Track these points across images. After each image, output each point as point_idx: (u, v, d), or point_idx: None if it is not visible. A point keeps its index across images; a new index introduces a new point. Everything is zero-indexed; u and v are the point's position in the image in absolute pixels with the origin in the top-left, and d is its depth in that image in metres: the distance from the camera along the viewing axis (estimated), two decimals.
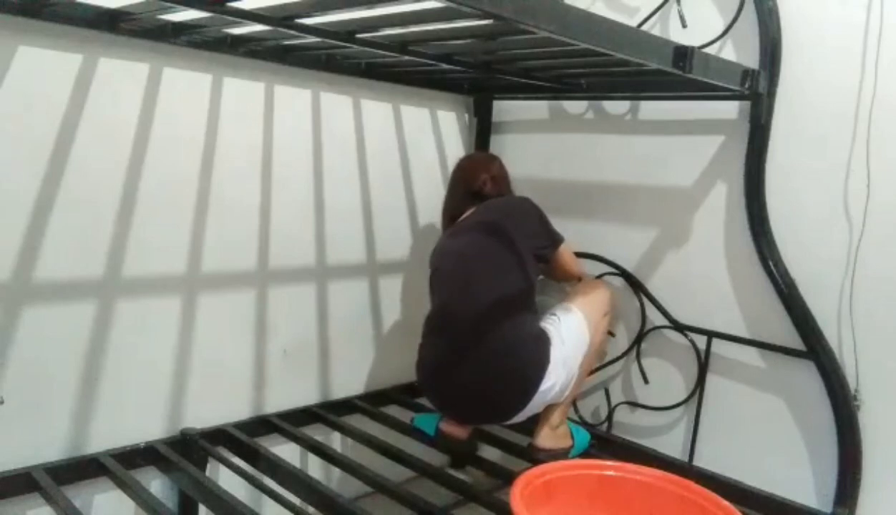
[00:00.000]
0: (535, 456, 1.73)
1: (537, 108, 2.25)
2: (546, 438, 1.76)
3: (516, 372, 1.66)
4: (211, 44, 1.62)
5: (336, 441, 2.01)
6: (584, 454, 1.83)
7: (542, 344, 1.69)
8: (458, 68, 1.72)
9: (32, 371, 1.48)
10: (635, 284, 2.00)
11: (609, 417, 2.07)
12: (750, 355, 1.79)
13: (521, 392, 1.67)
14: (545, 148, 2.23)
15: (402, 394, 2.17)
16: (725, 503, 1.31)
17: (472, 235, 1.80)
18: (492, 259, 1.75)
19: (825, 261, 1.66)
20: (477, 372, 1.68)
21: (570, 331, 1.74)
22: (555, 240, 1.86)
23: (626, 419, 2.05)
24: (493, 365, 1.66)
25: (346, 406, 2.05)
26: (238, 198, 1.78)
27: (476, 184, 1.91)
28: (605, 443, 1.95)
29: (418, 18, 1.25)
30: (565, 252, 1.88)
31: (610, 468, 1.41)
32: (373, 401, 2.09)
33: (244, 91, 1.76)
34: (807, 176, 1.69)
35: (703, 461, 1.86)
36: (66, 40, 1.44)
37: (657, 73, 1.48)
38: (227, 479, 1.65)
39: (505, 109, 2.31)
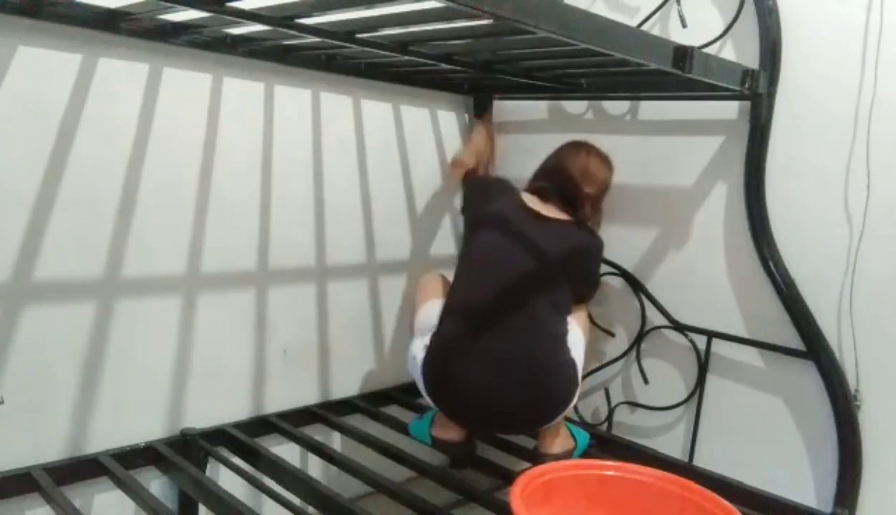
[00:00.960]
0: (543, 461, 1.70)
1: (537, 108, 2.25)
2: (553, 444, 1.75)
3: (558, 396, 1.64)
4: (211, 44, 1.62)
5: (336, 441, 2.01)
6: (584, 454, 1.83)
7: (574, 369, 1.68)
8: (458, 68, 1.72)
9: (32, 370, 1.48)
10: (635, 284, 2.00)
11: (609, 417, 2.07)
12: (750, 355, 1.79)
13: (552, 414, 1.66)
14: (545, 148, 2.22)
15: (402, 394, 2.17)
16: (725, 503, 1.31)
17: (532, 250, 1.71)
18: (543, 281, 1.69)
19: (825, 261, 1.66)
20: (512, 385, 1.60)
21: (578, 350, 1.72)
22: (596, 283, 1.87)
23: (626, 419, 2.06)
24: (534, 383, 1.61)
25: (346, 406, 2.05)
26: (238, 198, 1.78)
27: (574, 191, 1.80)
28: (605, 443, 1.95)
29: (418, 18, 1.25)
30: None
31: (610, 468, 1.41)
32: (373, 401, 2.09)
33: (244, 91, 1.76)
34: (807, 176, 1.69)
35: (703, 461, 1.86)
36: (66, 40, 1.44)
37: (657, 73, 1.47)
38: (227, 479, 1.65)
39: (505, 109, 2.31)
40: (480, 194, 1.89)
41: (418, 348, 1.71)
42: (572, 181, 1.80)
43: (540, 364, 1.63)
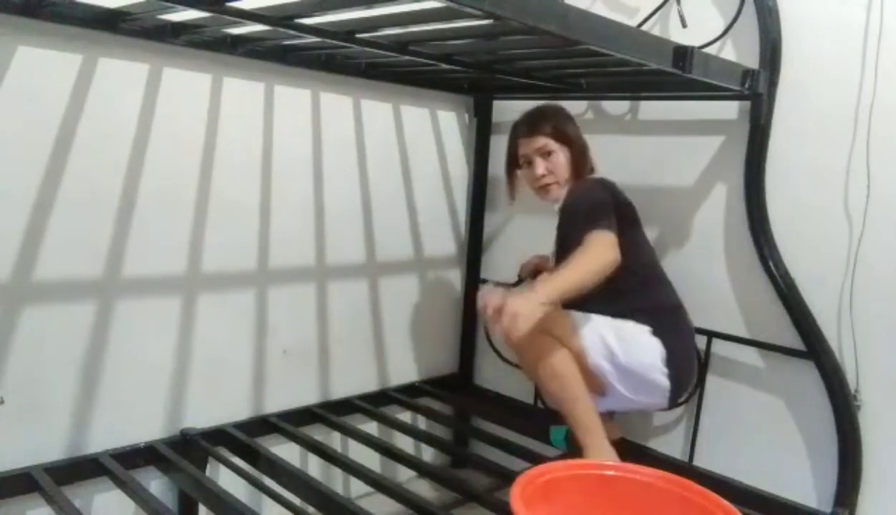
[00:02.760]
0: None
1: None
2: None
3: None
4: (211, 44, 1.62)
5: (336, 441, 2.01)
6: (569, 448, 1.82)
7: None
8: (458, 68, 1.72)
9: (32, 371, 1.48)
10: None
11: (610, 417, 2.07)
12: (750, 355, 1.79)
13: None
14: None
15: (403, 394, 2.17)
16: (726, 503, 1.30)
17: None
18: None
19: (825, 261, 1.66)
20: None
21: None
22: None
23: (626, 419, 2.05)
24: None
25: (346, 406, 2.05)
26: (238, 197, 1.78)
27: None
28: None
29: (418, 18, 1.25)
30: None
31: (610, 468, 1.41)
32: (373, 401, 2.09)
33: (244, 91, 1.76)
34: (807, 176, 1.69)
35: (703, 461, 1.86)
36: (66, 40, 1.44)
37: (657, 73, 1.47)
38: (227, 479, 1.66)
39: (505, 109, 2.31)
40: (607, 193, 1.72)
41: (661, 363, 1.64)
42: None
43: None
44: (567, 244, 1.60)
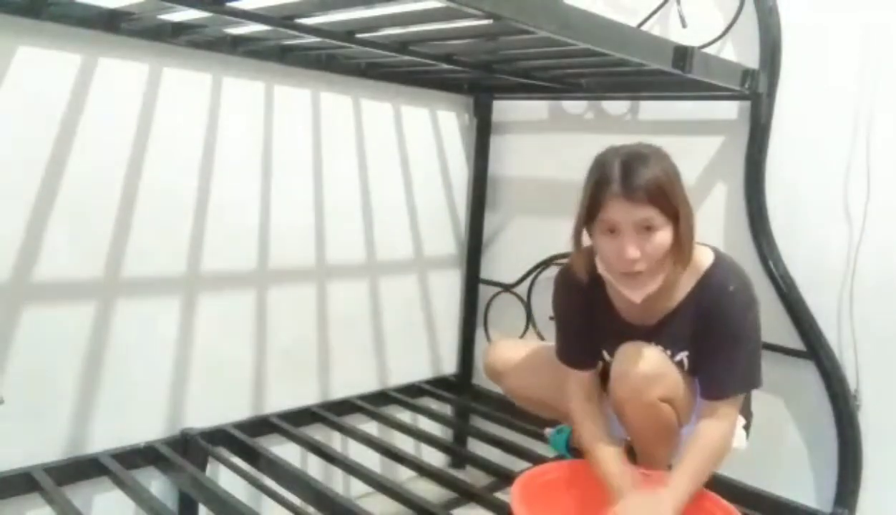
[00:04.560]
0: None
1: (537, 108, 2.25)
2: None
3: None
4: (211, 44, 1.62)
5: (336, 441, 2.01)
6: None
7: None
8: (458, 68, 1.72)
9: (33, 371, 1.48)
10: None
11: None
12: None
13: None
14: (545, 148, 2.23)
15: (402, 394, 2.17)
16: (725, 503, 1.30)
17: None
18: None
19: (825, 261, 1.65)
20: None
21: None
22: None
23: None
24: None
25: (346, 406, 2.05)
26: (238, 198, 1.78)
27: None
28: None
29: (418, 18, 1.25)
30: None
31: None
32: (373, 401, 2.09)
33: (244, 91, 1.76)
34: (807, 176, 1.69)
35: None
36: (66, 40, 1.44)
37: (657, 73, 1.48)
38: (227, 479, 1.66)
39: (505, 109, 2.31)
40: None
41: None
42: None
43: None
44: (710, 369, 1.34)
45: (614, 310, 1.42)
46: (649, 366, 1.31)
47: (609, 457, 1.36)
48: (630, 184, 1.23)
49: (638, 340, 1.37)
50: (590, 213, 1.28)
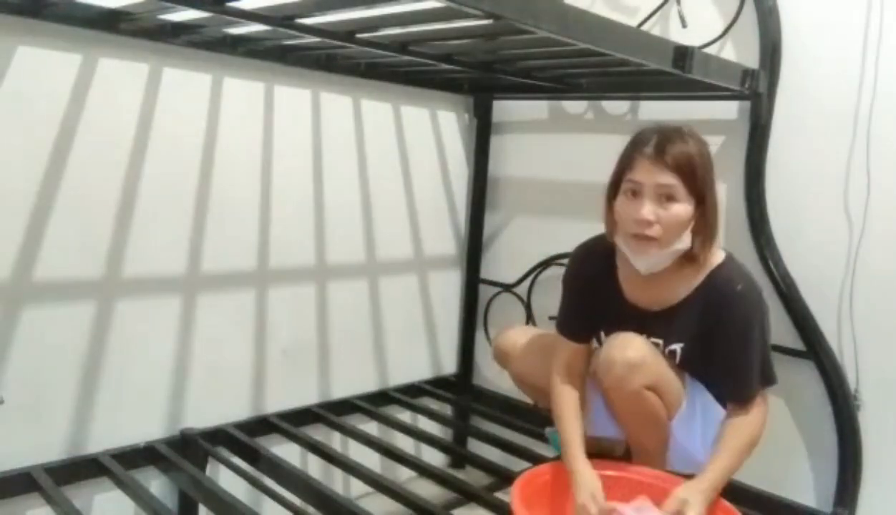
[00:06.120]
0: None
1: (537, 108, 2.25)
2: None
3: None
4: (211, 44, 1.62)
5: (336, 441, 2.01)
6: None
7: None
8: (458, 68, 1.72)
9: (33, 371, 1.48)
10: None
11: None
12: None
13: None
14: (545, 148, 2.23)
15: (402, 394, 2.17)
16: (725, 503, 1.31)
17: None
18: None
19: (825, 261, 1.66)
20: None
21: None
22: None
23: None
24: None
25: (346, 406, 2.05)
26: (238, 197, 1.78)
27: None
28: None
29: (418, 18, 1.26)
30: None
31: (610, 468, 1.41)
32: (373, 401, 2.09)
33: (244, 91, 1.76)
34: (807, 176, 1.69)
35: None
36: (66, 40, 1.44)
37: (657, 73, 1.48)
38: (227, 479, 1.66)
39: (505, 109, 2.31)
40: None
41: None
42: None
43: None
44: (717, 372, 1.38)
45: (620, 290, 1.45)
46: (633, 354, 1.34)
47: (570, 431, 1.42)
48: (662, 149, 1.28)
49: (636, 326, 1.40)
50: (619, 175, 1.35)
